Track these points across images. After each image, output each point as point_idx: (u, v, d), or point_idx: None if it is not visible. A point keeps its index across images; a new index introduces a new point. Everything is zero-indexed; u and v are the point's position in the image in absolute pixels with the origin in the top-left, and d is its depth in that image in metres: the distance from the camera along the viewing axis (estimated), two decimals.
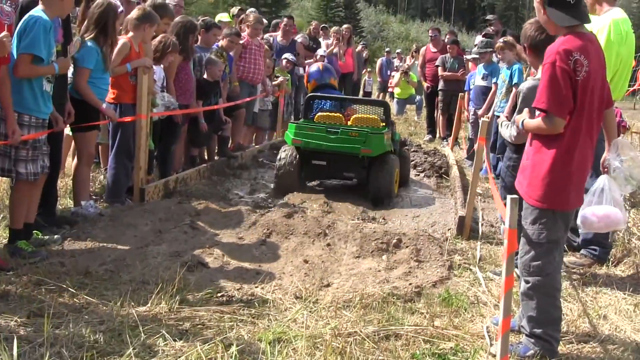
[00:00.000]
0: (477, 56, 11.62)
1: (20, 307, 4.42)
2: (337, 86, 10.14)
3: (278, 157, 8.91)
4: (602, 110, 4.25)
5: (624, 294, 5.45)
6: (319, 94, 9.92)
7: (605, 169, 4.50)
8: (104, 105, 6.88)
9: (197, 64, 9.17)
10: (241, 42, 10.75)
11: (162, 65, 7.96)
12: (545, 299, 4.16)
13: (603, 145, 4.62)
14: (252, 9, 14.51)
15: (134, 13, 7.23)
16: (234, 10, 13.23)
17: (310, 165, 8.78)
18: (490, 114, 10.09)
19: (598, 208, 4.35)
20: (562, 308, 4.76)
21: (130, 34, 7.20)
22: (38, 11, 5.44)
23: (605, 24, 6.01)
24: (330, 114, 9.23)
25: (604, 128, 4.50)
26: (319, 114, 9.25)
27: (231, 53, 10.30)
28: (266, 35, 13.39)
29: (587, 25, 5.66)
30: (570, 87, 3.97)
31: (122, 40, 7.03)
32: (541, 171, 4.14)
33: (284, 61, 12.87)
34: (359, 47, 19.39)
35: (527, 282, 4.22)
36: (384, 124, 9.12)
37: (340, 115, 9.24)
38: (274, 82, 12.17)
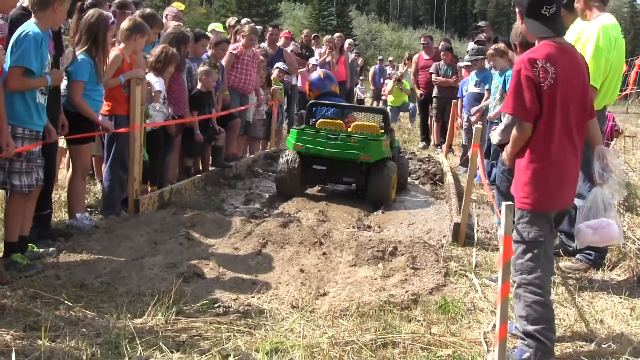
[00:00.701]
0: (469, 63, 11.65)
1: (16, 320, 4.40)
2: (339, 93, 10.23)
3: (280, 161, 9.11)
4: (584, 119, 4.37)
5: (620, 298, 5.46)
6: (320, 101, 10.02)
7: (598, 180, 4.54)
8: (100, 118, 6.88)
9: (187, 74, 9.19)
10: (235, 52, 10.78)
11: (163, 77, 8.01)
12: (531, 297, 4.20)
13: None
14: (247, 19, 14.53)
15: (125, 24, 7.24)
16: (231, 20, 13.21)
17: (311, 169, 8.99)
18: (484, 116, 10.11)
19: (594, 221, 4.46)
20: (559, 313, 4.81)
21: (122, 45, 7.21)
22: (30, 24, 5.44)
23: (594, 30, 6.02)
24: (331, 120, 9.38)
25: (588, 138, 4.59)
26: (321, 120, 9.41)
27: (223, 62, 10.33)
28: (262, 45, 13.43)
29: (574, 32, 5.83)
30: (535, 94, 4.16)
31: (113, 52, 7.04)
32: (519, 174, 4.37)
33: (276, 71, 12.88)
34: (353, 56, 19.40)
35: (514, 281, 4.30)
36: (383, 131, 9.20)
37: (341, 122, 9.39)
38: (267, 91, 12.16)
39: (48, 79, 5.58)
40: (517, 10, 4.51)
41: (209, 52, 10.00)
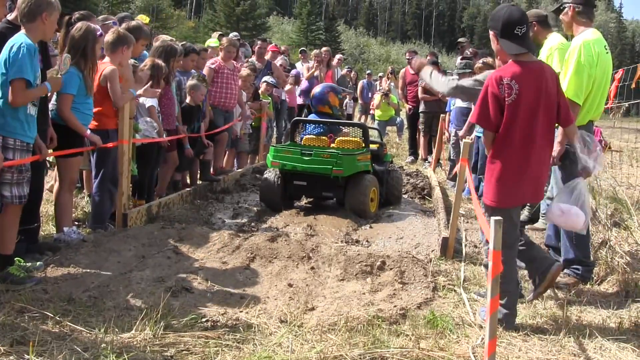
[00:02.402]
0: (457, 77, 11.70)
1: (3, 335, 4.37)
2: (333, 111, 10.09)
3: (263, 178, 9.27)
4: (551, 127, 5.01)
5: (608, 312, 5.47)
6: (302, 118, 10.11)
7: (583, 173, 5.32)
8: (88, 132, 6.85)
9: (176, 88, 9.20)
10: (212, 66, 10.76)
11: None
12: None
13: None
14: (235, 34, 14.56)
15: (109, 36, 7.21)
16: (216, 35, 13.26)
17: (292, 185, 9.12)
18: (472, 135, 10.16)
19: (565, 205, 5.14)
20: (547, 327, 4.82)
21: (107, 58, 7.19)
22: (21, 35, 5.44)
23: (576, 46, 6.07)
24: (316, 137, 9.57)
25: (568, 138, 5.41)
26: (306, 137, 9.62)
27: (205, 73, 10.34)
28: (250, 59, 13.45)
29: (546, 48, 6.31)
30: (498, 108, 4.84)
31: (109, 67, 7.01)
32: (486, 174, 5.13)
33: (264, 84, 12.87)
34: (344, 71, 19.45)
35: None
36: (364, 145, 9.27)
37: (326, 138, 9.55)
38: (250, 104, 12.11)
39: (48, 87, 5.59)
40: (491, 33, 5.08)
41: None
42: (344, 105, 11.44)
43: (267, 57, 14.09)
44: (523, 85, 4.78)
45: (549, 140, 5.03)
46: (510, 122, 4.82)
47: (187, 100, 9.33)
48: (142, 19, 10.54)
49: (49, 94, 5.72)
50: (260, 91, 12.73)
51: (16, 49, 5.32)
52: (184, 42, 10.63)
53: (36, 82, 5.52)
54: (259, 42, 14.15)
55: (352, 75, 22.76)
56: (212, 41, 12.32)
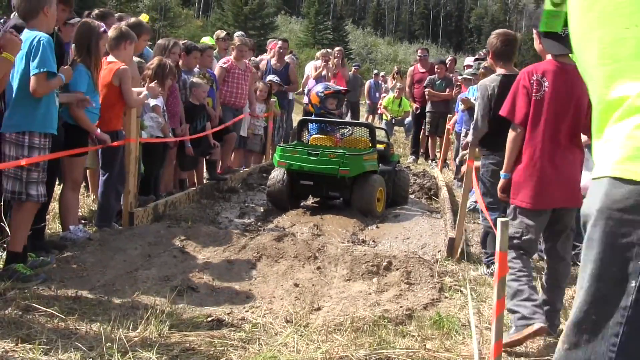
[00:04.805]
0: (471, 77, 11.65)
1: (9, 333, 4.37)
2: (314, 109, 10.13)
3: (270, 177, 9.25)
4: (578, 131, 4.89)
5: None
6: (309, 117, 10.12)
7: None
8: (98, 130, 6.82)
9: (181, 87, 9.21)
10: (225, 65, 10.77)
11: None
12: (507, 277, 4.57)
13: None
14: (241, 33, 14.51)
15: (111, 33, 7.15)
16: (220, 33, 13.18)
17: (299, 185, 9.09)
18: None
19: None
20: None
21: (110, 56, 7.15)
22: (32, 32, 5.47)
23: None
24: (322, 136, 9.63)
25: None
26: (314, 136, 9.67)
27: (215, 72, 10.33)
28: (264, 57, 13.43)
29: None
30: (527, 101, 4.83)
31: (122, 67, 6.98)
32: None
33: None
34: (352, 70, 19.36)
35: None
36: (371, 145, 9.28)
37: (333, 137, 9.60)
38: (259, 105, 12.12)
39: (62, 77, 5.64)
40: (535, 32, 5.08)
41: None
42: (341, 106, 11.29)
43: (270, 54, 14.04)
44: (553, 84, 4.78)
45: (576, 144, 4.92)
46: (534, 119, 4.82)
47: (190, 99, 9.32)
48: (143, 17, 10.56)
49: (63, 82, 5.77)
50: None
51: (37, 43, 5.39)
52: (184, 41, 10.62)
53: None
54: (279, 42, 14.03)
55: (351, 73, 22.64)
56: (206, 39, 12.35)
